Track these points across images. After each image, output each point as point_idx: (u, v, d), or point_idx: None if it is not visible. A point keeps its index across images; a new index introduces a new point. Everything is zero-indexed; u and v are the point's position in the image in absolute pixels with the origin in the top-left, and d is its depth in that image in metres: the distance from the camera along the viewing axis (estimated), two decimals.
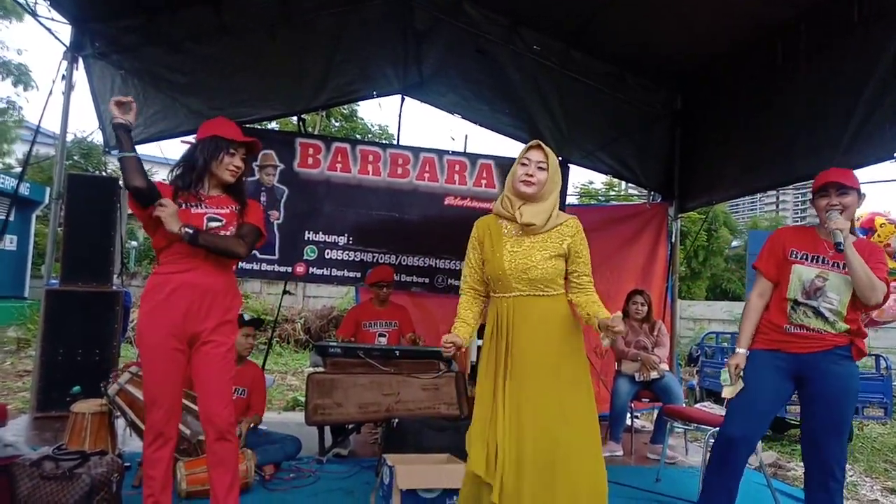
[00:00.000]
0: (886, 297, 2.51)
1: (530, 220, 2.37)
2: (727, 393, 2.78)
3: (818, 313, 2.60)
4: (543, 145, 2.44)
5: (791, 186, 4.96)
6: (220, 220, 2.47)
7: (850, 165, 3.78)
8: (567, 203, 5.88)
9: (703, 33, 4.50)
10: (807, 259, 2.67)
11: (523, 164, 2.41)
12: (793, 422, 6.34)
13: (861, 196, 2.64)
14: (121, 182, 5.17)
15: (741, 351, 2.78)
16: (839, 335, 2.58)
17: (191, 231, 2.33)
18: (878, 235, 6.85)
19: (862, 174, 2.86)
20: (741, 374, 2.75)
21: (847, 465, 5.19)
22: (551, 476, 2.22)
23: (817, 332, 2.60)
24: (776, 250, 2.78)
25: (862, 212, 6.93)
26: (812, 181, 4.13)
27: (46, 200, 11.77)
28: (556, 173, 2.46)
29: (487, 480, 2.24)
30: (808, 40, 3.95)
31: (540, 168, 2.39)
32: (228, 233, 2.47)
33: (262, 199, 4.97)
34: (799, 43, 4.03)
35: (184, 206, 2.43)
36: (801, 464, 4.06)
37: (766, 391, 2.66)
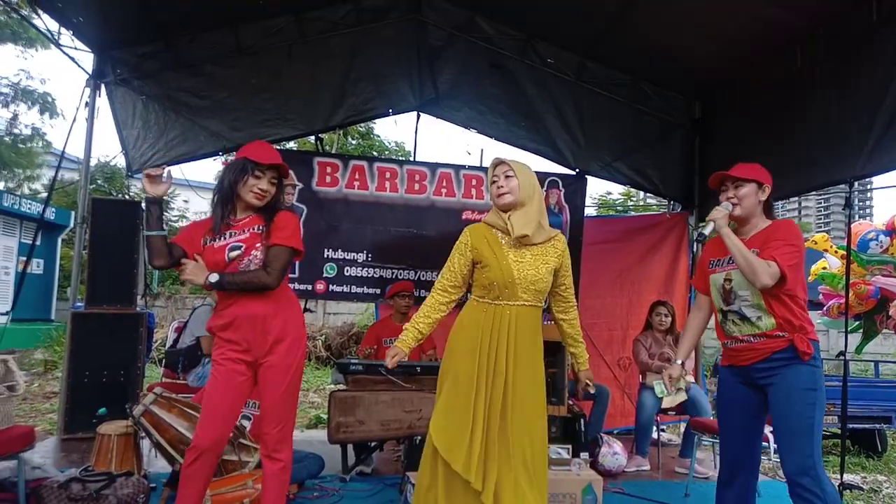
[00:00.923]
0: (784, 278, 2.36)
1: (522, 230, 2.44)
2: (666, 403, 2.81)
3: (742, 317, 2.52)
4: (504, 159, 2.55)
5: (813, 192, 4.90)
6: (240, 248, 2.44)
7: (874, 171, 3.74)
8: (585, 215, 5.86)
9: (720, 41, 4.47)
10: (719, 265, 2.62)
11: (493, 182, 2.54)
12: (824, 433, 6.19)
13: (761, 186, 2.56)
14: (143, 205, 5.28)
15: (677, 363, 2.79)
16: (772, 339, 2.45)
17: (214, 280, 2.37)
18: None
19: (886, 179, 2.81)
20: (680, 385, 2.80)
21: (882, 477, 5.06)
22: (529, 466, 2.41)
23: (748, 342, 2.51)
24: (702, 264, 2.77)
25: (887, 215, 6.86)
26: (834, 186, 4.08)
27: (72, 224, 12.00)
28: (530, 178, 2.54)
29: (469, 479, 2.34)
30: (827, 46, 3.91)
31: (507, 176, 2.50)
32: (251, 257, 2.44)
33: None
34: (818, 49, 3.99)
35: (208, 241, 2.45)
36: (836, 476, 3.96)
37: (739, 409, 2.62)
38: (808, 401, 2.40)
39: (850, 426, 5.61)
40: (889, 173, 3.63)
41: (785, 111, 4.37)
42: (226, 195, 2.47)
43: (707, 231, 2.60)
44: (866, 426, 5.88)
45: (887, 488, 4.75)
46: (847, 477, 4.45)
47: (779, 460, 2.47)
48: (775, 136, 4.48)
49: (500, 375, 2.43)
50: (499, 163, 2.55)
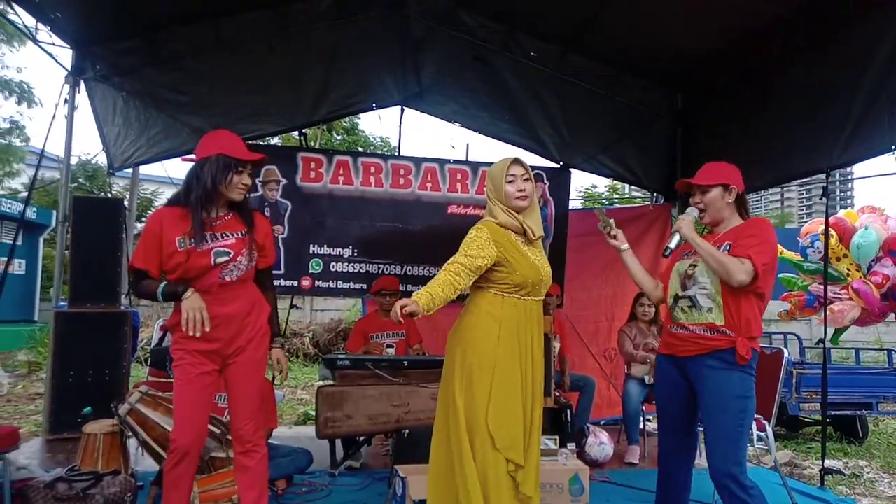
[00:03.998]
0: (757, 275, 2.37)
1: (540, 232, 2.52)
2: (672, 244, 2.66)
3: (693, 304, 2.53)
4: (521, 160, 2.50)
5: (795, 182, 4.95)
6: (228, 254, 2.41)
7: (851, 160, 3.80)
8: (570, 208, 5.89)
9: (700, 32, 4.51)
10: (686, 255, 2.64)
11: (510, 181, 2.45)
12: (806, 419, 6.30)
13: (727, 189, 2.57)
14: (126, 203, 5.24)
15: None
16: (716, 334, 2.45)
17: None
18: None
19: (862, 168, 2.83)
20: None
21: (864, 462, 5.15)
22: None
23: (691, 332, 2.51)
24: (672, 257, 2.77)
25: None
26: (814, 176, 4.12)
27: (53, 223, 11.84)
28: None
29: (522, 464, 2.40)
30: (805, 35, 3.95)
31: (526, 180, 2.47)
32: (237, 263, 2.43)
33: (266, 214, 4.99)
34: (795, 38, 4.03)
35: (188, 244, 2.36)
36: (818, 461, 4.03)
37: (676, 400, 2.66)
38: (739, 408, 2.43)
39: (832, 413, 5.70)
40: (871, 163, 3.67)
41: (764, 101, 4.42)
42: (208, 194, 2.39)
43: (673, 244, 2.62)
44: (847, 412, 5.98)
45: (868, 473, 4.83)
46: (829, 462, 4.53)
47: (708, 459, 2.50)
48: (755, 127, 4.53)
49: (529, 369, 2.46)
50: (517, 162, 2.47)
